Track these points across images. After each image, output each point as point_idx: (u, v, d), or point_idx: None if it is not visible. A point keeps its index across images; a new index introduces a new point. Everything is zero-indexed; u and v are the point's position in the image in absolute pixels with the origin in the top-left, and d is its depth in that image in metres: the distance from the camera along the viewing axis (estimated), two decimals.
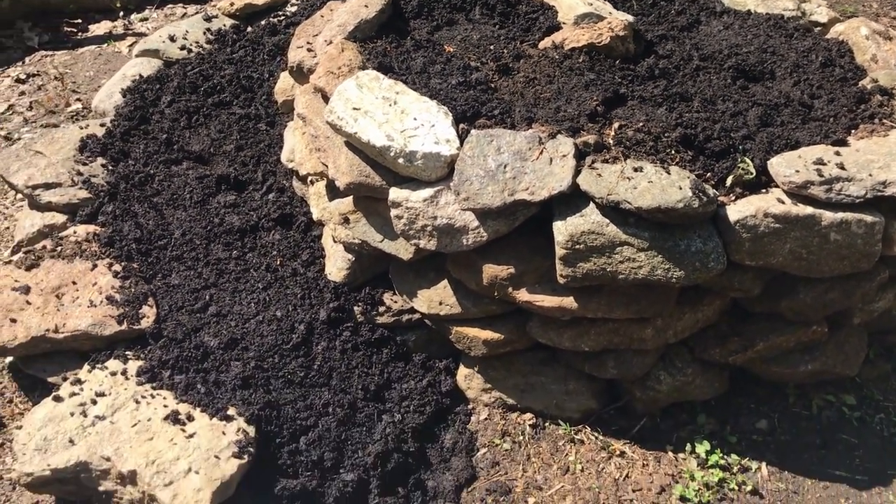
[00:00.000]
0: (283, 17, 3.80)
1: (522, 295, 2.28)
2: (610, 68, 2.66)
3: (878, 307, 2.42)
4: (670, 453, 2.43)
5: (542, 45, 2.80)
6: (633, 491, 2.34)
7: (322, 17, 3.03)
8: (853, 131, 2.44)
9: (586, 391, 2.48)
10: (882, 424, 2.48)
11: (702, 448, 2.40)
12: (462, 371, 2.56)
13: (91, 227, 2.85)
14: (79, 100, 4.03)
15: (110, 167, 3.08)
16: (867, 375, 2.54)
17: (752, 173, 2.23)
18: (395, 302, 2.57)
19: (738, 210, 2.14)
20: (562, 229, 2.14)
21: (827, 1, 4.87)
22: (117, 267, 2.69)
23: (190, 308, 2.56)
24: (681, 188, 2.08)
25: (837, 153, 2.26)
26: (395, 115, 2.35)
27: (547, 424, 2.50)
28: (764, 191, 2.24)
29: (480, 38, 2.85)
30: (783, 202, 2.16)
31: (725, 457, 2.40)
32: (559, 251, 2.15)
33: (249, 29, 3.88)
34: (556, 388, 2.48)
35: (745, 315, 2.40)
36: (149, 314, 2.55)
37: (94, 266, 2.68)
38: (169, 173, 3.04)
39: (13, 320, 2.49)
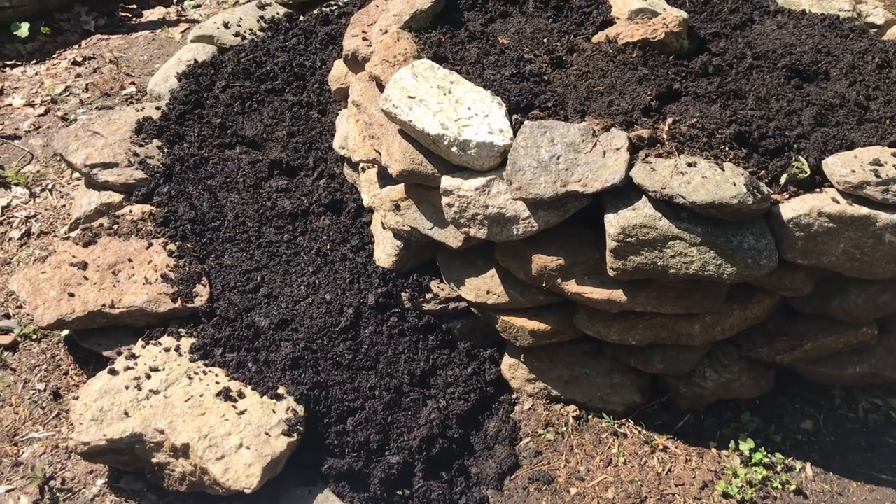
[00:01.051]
0: (335, 7, 3.84)
1: (571, 286, 2.30)
2: (663, 64, 2.66)
3: None
4: (713, 450, 2.43)
5: (595, 39, 2.80)
6: (676, 486, 2.34)
7: (377, 6, 3.07)
8: None
9: (631, 385, 2.49)
10: None
11: (745, 446, 2.40)
12: (507, 360, 2.58)
13: (147, 207, 2.92)
14: (133, 83, 4.11)
15: (166, 149, 3.14)
16: None
17: (806, 172, 2.22)
18: (442, 289, 2.59)
19: (792, 208, 2.13)
20: (614, 222, 2.15)
21: (883, 2, 4.80)
22: (172, 246, 2.75)
23: (242, 288, 2.61)
24: (735, 184, 2.08)
25: (895, 154, 2.24)
26: (449, 105, 2.38)
27: (590, 417, 2.52)
28: (818, 190, 2.23)
29: (534, 31, 2.86)
30: (838, 202, 2.15)
31: (769, 455, 2.39)
32: (610, 244, 2.16)
33: (302, 18, 3.93)
34: (601, 381, 2.50)
35: (793, 314, 2.40)
36: (202, 293, 2.60)
37: (150, 245, 2.75)
38: (223, 157, 3.10)
39: (71, 294, 2.56)
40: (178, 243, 2.76)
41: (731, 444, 2.43)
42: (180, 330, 2.53)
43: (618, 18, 2.90)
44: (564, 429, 2.49)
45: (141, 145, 3.15)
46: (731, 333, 2.35)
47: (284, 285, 2.62)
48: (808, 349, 2.35)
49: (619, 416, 2.52)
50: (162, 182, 2.99)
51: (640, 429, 2.48)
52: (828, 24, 3.09)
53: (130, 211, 2.90)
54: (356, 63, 2.83)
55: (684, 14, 2.87)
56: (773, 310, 2.37)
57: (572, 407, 2.54)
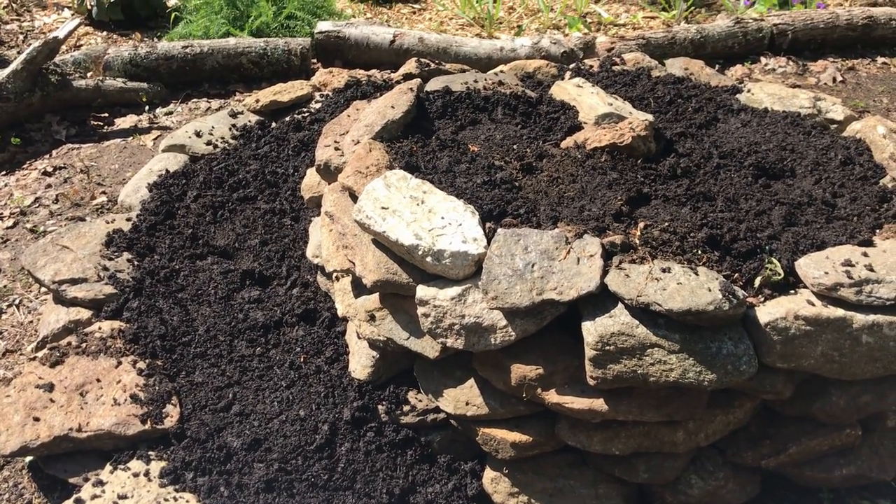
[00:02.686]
0: (307, 114, 3.89)
1: (552, 396, 2.26)
2: (632, 167, 2.70)
3: None
4: None
5: (564, 144, 2.84)
6: None
7: (349, 116, 3.10)
8: (878, 231, 2.45)
9: (617, 495, 2.42)
10: None
11: None
12: (488, 474, 2.51)
13: (116, 323, 2.86)
14: (104, 192, 4.09)
15: (136, 262, 3.10)
16: None
17: (780, 274, 2.23)
18: (420, 401, 2.54)
19: (769, 312, 2.13)
20: (591, 330, 2.13)
21: (837, 97, 4.97)
22: (142, 364, 2.68)
23: (213, 407, 2.54)
24: (710, 290, 2.08)
25: (865, 254, 2.26)
26: (422, 215, 2.38)
27: None
28: (792, 292, 2.23)
29: (504, 138, 2.90)
30: (813, 304, 2.15)
31: None
32: (589, 352, 2.14)
33: (274, 125, 3.96)
34: (586, 493, 2.43)
35: (777, 417, 2.37)
36: (172, 413, 2.53)
37: (119, 363, 2.68)
38: (194, 268, 3.07)
39: (36, 419, 2.47)
40: (147, 361, 2.70)
41: None
42: (150, 453, 2.45)
43: (585, 123, 2.95)
44: None
45: (111, 259, 3.11)
46: (715, 439, 2.31)
47: (257, 402, 2.55)
48: (792, 453, 2.32)
49: None
50: (132, 297, 2.94)
51: None
52: (790, 121, 3.17)
53: (99, 328, 2.84)
54: (329, 173, 2.84)
55: (650, 117, 2.93)
56: (755, 413, 2.34)
57: None
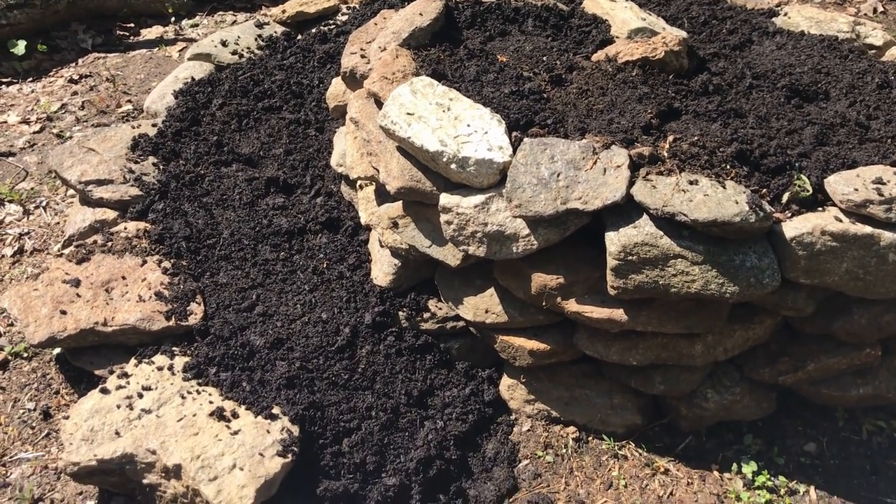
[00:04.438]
0: (333, 26, 3.84)
1: (571, 305, 2.27)
2: (663, 82, 2.65)
3: None
4: (716, 473, 2.39)
5: (595, 57, 2.79)
6: None
7: (376, 24, 3.06)
8: None
9: (632, 406, 2.45)
10: None
11: (748, 469, 2.36)
12: (505, 381, 2.54)
13: (141, 224, 2.89)
14: (130, 101, 4.09)
15: (161, 166, 3.12)
16: None
17: (808, 190, 2.20)
18: (440, 309, 2.56)
19: (795, 227, 2.11)
20: (615, 240, 2.12)
21: (882, 24, 4.83)
22: (166, 264, 2.71)
23: (237, 307, 2.58)
24: (737, 202, 2.06)
25: None
26: (448, 121, 2.36)
27: (590, 438, 2.48)
28: (820, 209, 2.20)
29: (533, 49, 2.85)
30: (841, 220, 2.13)
31: (773, 478, 2.35)
32: (611, 262, 2.13)
33: (300, 36, 3.92)
34: (601, 402, 2.46)
35: (796, 335, 2.37)
36: (196, 311, 2.57)
37: (144, 262, 2.71)
38: (219, 174, 3.08)
39: (63, 312, 2.52)
40: (172, 261, 2.73)
41: (734, 466, 2.39)
42: (174, 348, 2.49)
43: (617, 37, 2.89)
44: (564, 451, 2.45)
45: (136, 162, 3.12)
46: (733, 354, 2.32)
47: (280, 304, 2.58)
48: (810, 370, 2.32)
49: (619, 437, 2.47)
50: (157, 199, 2.96)
51: (640, 451, 2.44)
52: (827, 44, 3.09)
53: (125, 228, 2.87)
54: (354, 80, 2.81)
55: (684, 34, 2.86)
56: (775, 330, 2.34)
57: (572, 428, 2.50)
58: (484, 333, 2.50)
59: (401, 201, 2.49)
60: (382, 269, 2.61)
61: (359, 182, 2.73)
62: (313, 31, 3.87)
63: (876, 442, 2.43)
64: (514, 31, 3.00)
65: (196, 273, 2.70)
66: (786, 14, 3.38)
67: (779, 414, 2.46)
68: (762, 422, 2.47)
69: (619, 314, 2.22)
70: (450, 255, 2.42)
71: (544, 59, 2.80)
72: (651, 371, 2.37)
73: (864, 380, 2.39)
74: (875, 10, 5.05)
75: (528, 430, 2.50)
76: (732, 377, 2.41)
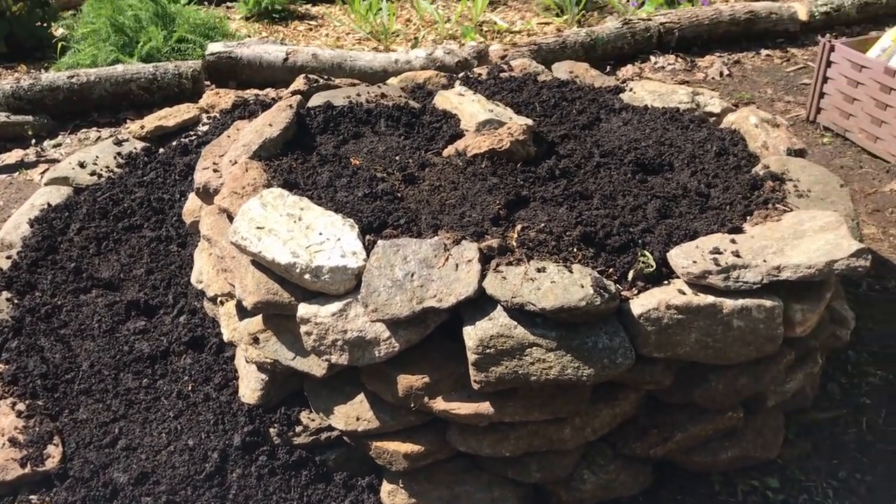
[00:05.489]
0: (194, 137, 3.82)
1: (439, 404, 2.25)
2: (512, 171, 2.73)
3: (789, 388, 2.46)
4: None
5: (446, 152, 2.85)
6: None
7: (229, 137, 3.06)
8: (748, 218, 2.53)
9: (512, 497, 2.43)
10: None
11: None
12: (385, 487, 2.49)
13: None
14: None
15: (16, 301, 2.99)
16: (788, 456, 2.55)
17: (652, 266, 2.27)
18: (313, 420, 2.50)
19: (641, 304, 2.17)
20: (472, 334, 2.14)
21: (724, 90, 5.13)
22: (21, 406, 2.58)
23: (98, 443, 2.46)
24: (583, 286, 2.11)
25: (733, 241, 2.32)
26: (300, 231, 2.36)
27: None
28: (666, 282, 2.28)
29: (386, 150, 2.90)
30: (684, 293, 2.20)
31: None
32: (471, 356, 2.14)
33: (161, 150, 3.88)
34: (482, 497, 2.43)
35: (662, 407, 2.41)
36: (54, 454, 2.44)
37: None
38: (77, 303, 2.97)
39: None
40: (28, 402, 2.59)
41: None
42: (31, 497, 2.35)
43: (466, 131, 2.97)
44: None
45: None
46: (603, 432, 2.34)
47: (144, 435, 2.48)
48: (678, 440, 2.36)
49: None
50: (11, 337, 2.83)
51: None
52: (669, 116, 3.25)
53: None
54: (208, 195, 2.79)
55: (529, 121, 2.96)
56: (640, 404, 2.38)
57: None
58: (358, 441, 2.45)
59: (261, 315, 2.46)
60: (250, 386, 2.54)
61: (219, 299, 2.68)
62: (174, 143, 3.84)
63: (751, 501, 2.47)
64: (368, 132, 3.05)
65: (54, 412, 2.57)
66: (631, 89, 3.55)
67: (657, 486, 2.48)
68: (642, 496, 2.48)
69: (485, 408, 2.22)
70: (315, 366, 2.38)
71: (397, 158, 2.84)
72: (526, 459, 2.36)
73: (732, 442, 2.44)
74: (721, 74, 5.38)
75: None
76: (606, 456, 2.42)
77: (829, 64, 4.46)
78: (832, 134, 4.52)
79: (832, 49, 4.43)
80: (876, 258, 3.42)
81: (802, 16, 5.84)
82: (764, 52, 5.69)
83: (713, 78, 5.33)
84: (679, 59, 5.50)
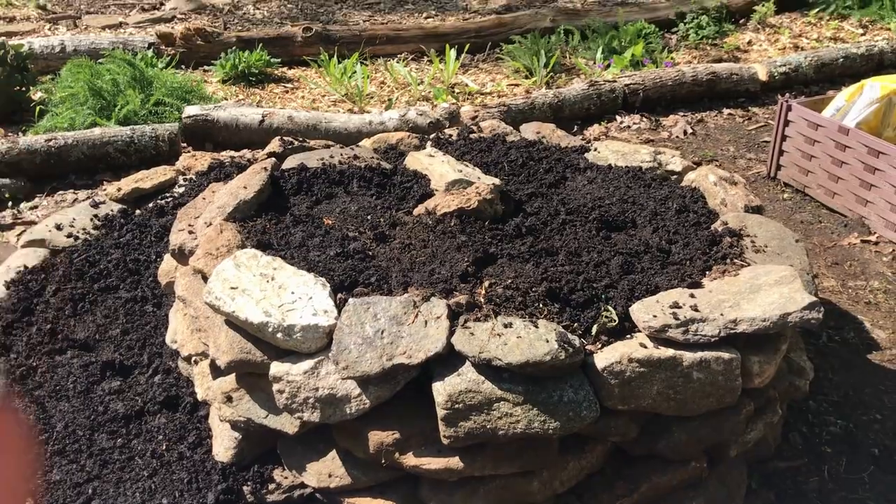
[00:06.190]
0: (170, 199, 3.89)
1: (409, 459, 2.30)
2: (480, 229, 2.81)
3: (751, 437, 2.53)
4: None
5: (416, 211, 2.94)
6: None
7: (204, 199, 3.13)
8: (707, 273, 2.63)
9: None
10: None
11: None
12: None
13: None
14: None
15: None
16: None
17: (614, 321, 2.36)
18: (286, 478, 2.53)
19: (605, 357, 2.25)
20: (440, 390, 2.20)
21: (688, 148, 5.29)
22: None
23: None
24: (548, 341, 2.18)
25: (692, 295, 2.42)
26: (272, 291, 2.42)
27: None
28: (629, 336, 2.36)
29: (358, 209, 2.98)
30: (646, 346, 2.28)
31: None
32: (440, 412, 2.20)
33: (137, 212, 3.95)
34: None
35: (628, 459, 2.47)
36: None
37: None
38: (52, 364, 3.00)
39: None
40: None
41: None
42: None
43: (436, 190, 3.07)
44: None
45: None
46: (571, 485, 2.39)
47: (118, 494, 2.49)
48: (644, 491, 2.41)
49: None
50: None
51: None
52: (631, 175, 3.37)
53: None
54: (183, 257, 2.85)
55: (496, 181, 3.07)
56: (607, 456, 2.43)
57: None
58: (331, 498, 2.48)
59: (234, 374, 2.50)
60: (223, 444, 2.57)
61: (193, 358, 2.72)
62: (150, 205, 3.91)
63: None
64: (341, 192, 3.13)
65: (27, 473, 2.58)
66: (595, 149, 3.68)
67: None
68: None
69: (455, 462, 2.27)
70: (287, 424, 2.43)
71: (369, 217, 2.93)
72: None
73: (696, 492, 2.50)
74: (685, 132, 5.55)
75: None
76: None
77: (787, 123, 4.64)
78: (792, 190, 4.68)
79: (789, 109, 4.61)
80: (835, 310, 3.53)
81: (762, 76, 6.06)
82: (726, 111, 5.89)
83: (677, 136, 5.51)
84: (644, 119, 5.67)
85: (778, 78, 6.11)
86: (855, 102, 4.46)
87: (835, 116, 4.51)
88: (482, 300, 2.41)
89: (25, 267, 3.55)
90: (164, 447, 2.64)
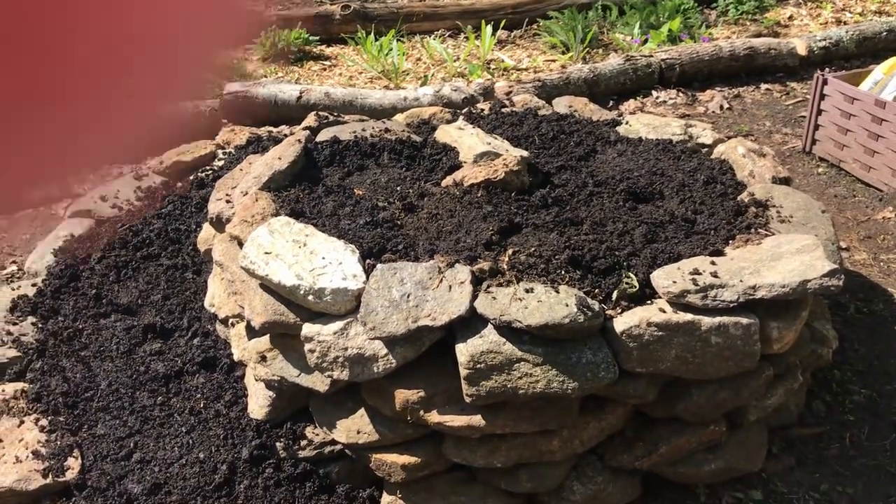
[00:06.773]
0: (209, 171, 4.02)
1: (433, 417, 2.39)
2: (506, 200, 2.88)
3: (771, 403, 2.57)
4: None
5: (444, 183, 3.01)
6: None
7: (241, 170, 3.25)
8: (731, 242, 2.66)
9: None
10: None
11: None
12: (385, 498, 2.61)
13: (20, 385, 2.92)
14: (14, 262, 4.13)
15: (40, 325, 3.17)
16: (772, 470, 2.65)
17: (635, 287, 2.41)
18: (317, 435, 2.64)
19: (624, 321, 2.30)
20: (463, 350, 2.28)
21: (724, 123, 5.27)
22: (44, 422, 2.74)
23: (115, 457, 2.61)
24: (567, 305, 2.25)
25: (713, 263, 2.46)
26: (304, 256, 2.52)
27: None
28: (649, 302, 2.41)
29: (388, 181, 3.07)
30: (665, 311, 2.33)
31: None
32: (463, 371, 2.28)
33: (179, 184, 4.08)
34: None
35: (647, 420, 2.53)
36: (74, 466, 2.59)
37: (21, 422, 2.73)
38: (97, 327, 3.15)
39: None
40: (50, 418, 2.76)
41: None
42: None
43: (465, 163, 3.13)
44: None
45: (15, 324, 3.17)
46: (591, 444, 2.46)
47: (158, 448, 2.63)
48: (663, 452, 2.47)
49: None
50: (35, 358, 3.01)
51: None
52: (662, 147, 3.40)
53: (3, 390, 2.89)
54: (221, 224, 2.96)
55: (525, 153, 3.12)
56: (627, 418, 2.49)
57: None
58: (359, 454, 2.58)
59: (268, 335, 2.61)
60: (258, 403, 2.69)
61: (230, 321, 2.84)
62: (191, 177, 4.04)
63: None
64: (371, 164, 3.22)
65: (74, 427, 2.73)
66: (627, 122, 3.71)
67: (645, 497, 2.59)
68: None
69: (477, 420, 2.35)
70: (318, 382, 2.53)
71: (398, 188, 3.01)
72: (517, 470, 2.48)
73: (715, 455, 2.55)
74: (721, 107, 5.52)
75: None
76: (595, 467, 2.54)
77: (822, 97, 4.60)
78: (827, 164, 4.65)
79: (825, 82, 4.57)
80: (865, 283, 3.53)
81: (801, 51, 5.99)
82: (763, 86, 5.84)
83: (713, 111, 5.48)
84: (680, 94, 5.66)
85: (818, 53, 6.03)
86: (893, 76, 4.41)
87: (872, 90, 4.46)
88: (505, 267, 2.47)
89: (72, 235, 3.71)
90: (202, 405, 2.77)
